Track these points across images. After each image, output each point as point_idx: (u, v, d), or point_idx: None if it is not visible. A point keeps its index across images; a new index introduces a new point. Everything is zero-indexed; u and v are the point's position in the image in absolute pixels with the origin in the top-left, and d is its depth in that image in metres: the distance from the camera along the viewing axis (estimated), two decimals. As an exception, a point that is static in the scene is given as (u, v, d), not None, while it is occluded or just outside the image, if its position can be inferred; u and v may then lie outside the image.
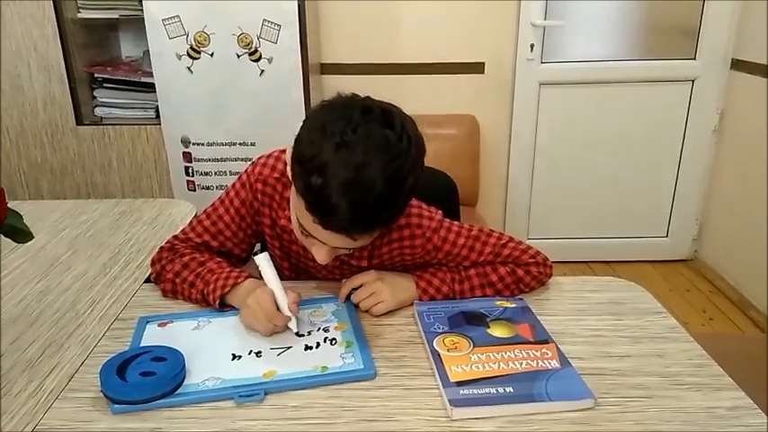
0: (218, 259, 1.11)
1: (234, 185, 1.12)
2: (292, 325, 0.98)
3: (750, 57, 2.58)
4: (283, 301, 0.98)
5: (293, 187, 0.92)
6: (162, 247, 1.14)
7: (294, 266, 1.19)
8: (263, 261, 1.00)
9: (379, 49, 2.71)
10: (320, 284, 1.15)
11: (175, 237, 1.15)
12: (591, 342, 0.97)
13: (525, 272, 1.10)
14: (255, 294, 0.98)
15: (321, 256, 0.95)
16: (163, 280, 1.11)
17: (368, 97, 0.91)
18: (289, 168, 0.92)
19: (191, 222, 1.16)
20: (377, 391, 0.86)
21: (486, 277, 1.09)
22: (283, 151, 1.09)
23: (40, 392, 0.85)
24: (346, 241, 0.90)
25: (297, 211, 0.93)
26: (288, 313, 0.97)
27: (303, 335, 0.98)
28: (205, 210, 1.15)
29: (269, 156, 1.11)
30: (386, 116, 0.87)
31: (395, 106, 0.91)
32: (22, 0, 2.26)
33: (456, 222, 1.11)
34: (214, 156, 2.40)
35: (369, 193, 0.83)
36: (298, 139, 0.89)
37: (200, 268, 1.07)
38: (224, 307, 1.04)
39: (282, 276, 1.18)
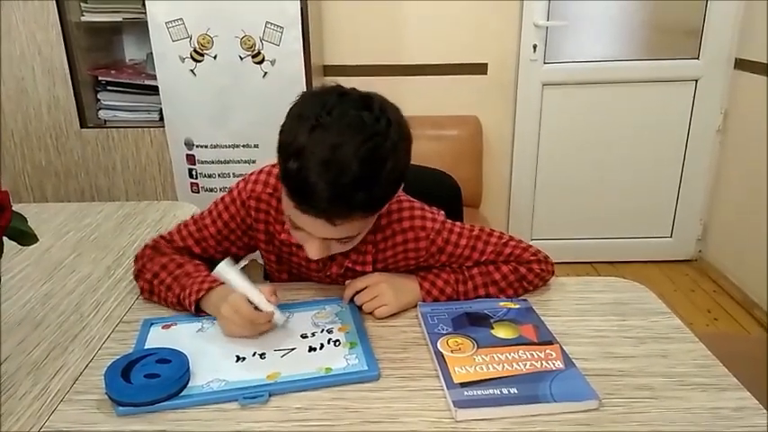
0: (197, 262, 1.10)
1: (223, 199, 1.12)
2: (277, 318, 0.96)
3: (754, 56, 2.57)
4: (259, 298, 0.95)
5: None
6: (146, 245, 1.14)
7: (295, 277, 1.18)
8: (225, 269, 0.96)
9: (381, 51, 2.72)
10: (324, 287, 1.15)
11: (161, 236, 1.15)
12: (595, 343, 0.97)
13: (528, 269, 1.10)
14: (228, 302, 0.95)
15: (313, 250, 0.95)
16: (141, 279, 1.10)
17: (352, 88, 0.92)
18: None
19: (178, 225, 1.15)
20: (381, 392, 0.86)
21: (490, 276, 1.08)
22: (274, 165, 1.07)
23: (45, 395, 0.86)
24: (327, 228, 0.89)
25: (285, 205, 0.93)
26: (269, 308, 0.95)
27: (283, 324, 0.97)
28: (193, 215, 1.15)
29: (260, 171, 1.11)
30: (363, 99, 0.88)
31: (378, 94, 0.92)
32: (26, 1, 2.27)
33: (457, 223, 1.11)
34: (218, 158, 2.41)
35: (344, 172, 0.83)
36: (280, 131, 0.90)
37: (178, 270, 1.06)
38: (200, 312, 1.02)
39: (282, 282, 1.18)
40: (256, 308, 0.96)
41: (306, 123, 0.85)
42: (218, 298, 0.99)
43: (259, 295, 0.96)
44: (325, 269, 1.12)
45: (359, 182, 0.84)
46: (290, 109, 0.91)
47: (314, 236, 0.93)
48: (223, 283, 1.00)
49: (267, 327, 0.97)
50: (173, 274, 1.06)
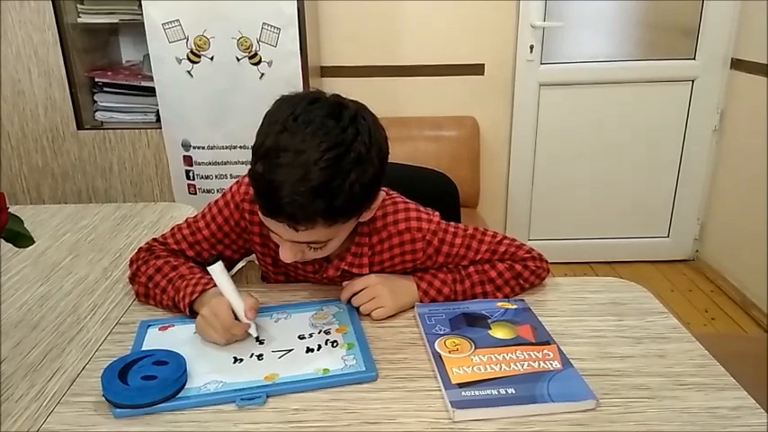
0: (191, 264, 1.10)
1: (218, 202, 1.12)
2: (252, 331, 0.96)
3: (750, 56, 2.58)
4: (240, 308, 0.95)
5: None
6: (140, 248, 1.14)
7: (293, 279, 1.18)
8: (216, 270, 0.96)
9: (379, 52, 2.72)
10: (321, 287, 1.15)
11: (155, 239, 1.15)
12: (592, 343, 0.97)
13: (523, 267, 1.10)
14: (211, 305, 0.96)
15: (284, 253, 0.96)
16: (136, 282, 1.10)
17: (335, 94, 0.92)
18: None
19: (172, 228, 1.15)
20: (378, 393, 0.86)
21: (486, 274, 1.09)
22: None
23: (42, 397, 0.85)
24: (291, 232, 0.89)
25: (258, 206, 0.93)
26: (246, 321, 0.95)
27: (263, 341, 0.96)
28: (187, 218, 1.15)
29: None
30: (335, 108, 0.88)
31: (357, 103, 0.92)
32: (22, 1, 2.26)
33: (451, 223, 1.11)
34: (215, 159, 2.41)
35: (303, 178, 0.83)
36: (256, 133, 0.91)
37: (172, 273, 1.06)
38: (194, 314, 1.01)
39: (278, 282, 1.18)
40: (236, 316, 0.96)
41: (274, 127, 0.87)
42: (210, 299, 0.99)
43: (240, 305, 0.95)
44: (321, 272, 1.11)
45: (318, 189, 0.84)
46: (266, 112, 0.92)
47: (283, 239, 0.93)
48: (215, 287, 1.00)
49: (240, 337, 0.97)
50: (167, 277, 1.06)
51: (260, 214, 0.93)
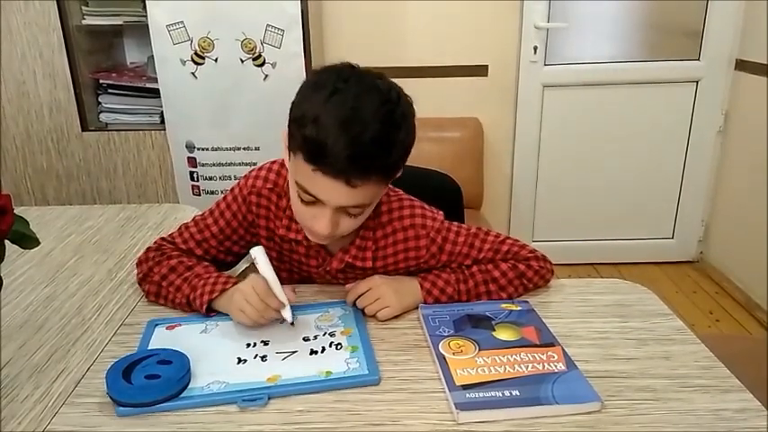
0: (206, 264, 1.11)
1: (225, 198, 1.12)
2: (287, 314, 0.97)
3: (754, 57, 2.57)
4: (279, 288, 0.96)
5: (290, 158, 0.95)
6: (149, 248, 1.14)
7: (295, 274, 1.18)
8: (258, 253, 0.98)
9: (382, 53, 2.72)
10: (327, 289, 1.15)
11: (163, 238, 1.15)
12: (597, 344, 0.97)
13: (526, 266, 1.10)
14: (250, 278, 0.98)
15: (323, 224, 0.94)
16: (149, 282, 1.10)
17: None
18: (284, 142, 0.95)
19: (179, 227, 1.16)
20: (382, 395, 0.86)
21: (489, 273, 1.09)
22: (274, 162, 1.11)
23: (47, 398, 0.86)
24: (345, 191, 0.89)
25: (295, 176, 0.94)
26: (284, 299, 0.96)
27: (293, 323, 0.98)
28: (194, 216, 1.16)
29: (260, 168, 1.12)
30: (373, 72, 0.94)
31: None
32: (27, 1, 2.27)
33: (455, 223, 1.12)
34: (219, 160, 2.41)
35: (364, 129, 0.86)
36: (292, 106, 0.92)
37: (187, 272, 1.07)
38: (210, 312, 1.03)
39: (281, 281, 1.18)
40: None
41: (322, 92, 0.88)
42: (231, 296, 1.00)
43: (279, 286, 0.97)
44: (324, 265, 1.12)
45: (377, 141, 0.87)
46: (303, 84, 0.94)
47: (327, 207, 0.93)
48: (235, 286, 1.01)
49: (274, 314, 0.97)
50: (182, 276, 1.07)
51: (307, 183, 0.91)
